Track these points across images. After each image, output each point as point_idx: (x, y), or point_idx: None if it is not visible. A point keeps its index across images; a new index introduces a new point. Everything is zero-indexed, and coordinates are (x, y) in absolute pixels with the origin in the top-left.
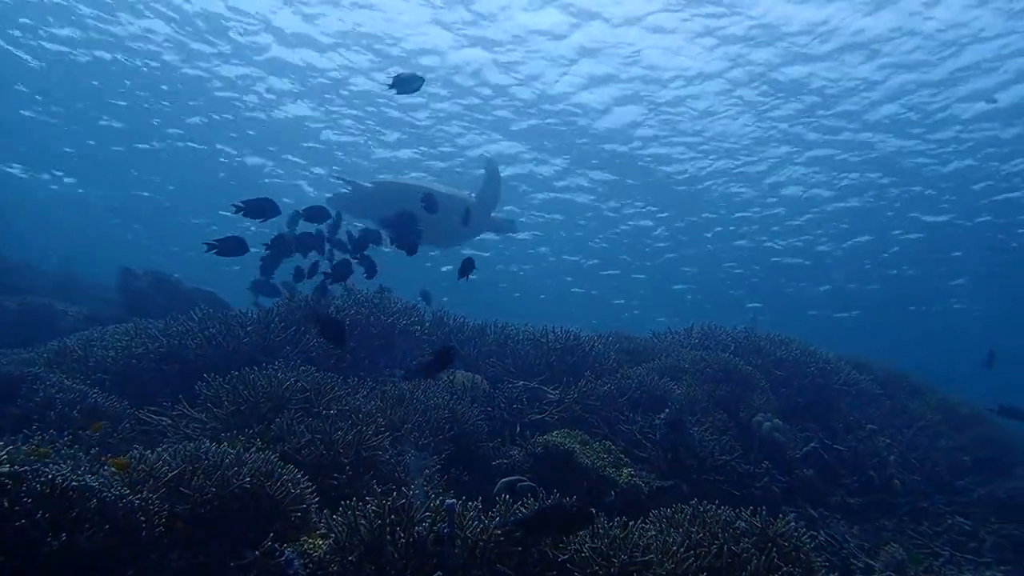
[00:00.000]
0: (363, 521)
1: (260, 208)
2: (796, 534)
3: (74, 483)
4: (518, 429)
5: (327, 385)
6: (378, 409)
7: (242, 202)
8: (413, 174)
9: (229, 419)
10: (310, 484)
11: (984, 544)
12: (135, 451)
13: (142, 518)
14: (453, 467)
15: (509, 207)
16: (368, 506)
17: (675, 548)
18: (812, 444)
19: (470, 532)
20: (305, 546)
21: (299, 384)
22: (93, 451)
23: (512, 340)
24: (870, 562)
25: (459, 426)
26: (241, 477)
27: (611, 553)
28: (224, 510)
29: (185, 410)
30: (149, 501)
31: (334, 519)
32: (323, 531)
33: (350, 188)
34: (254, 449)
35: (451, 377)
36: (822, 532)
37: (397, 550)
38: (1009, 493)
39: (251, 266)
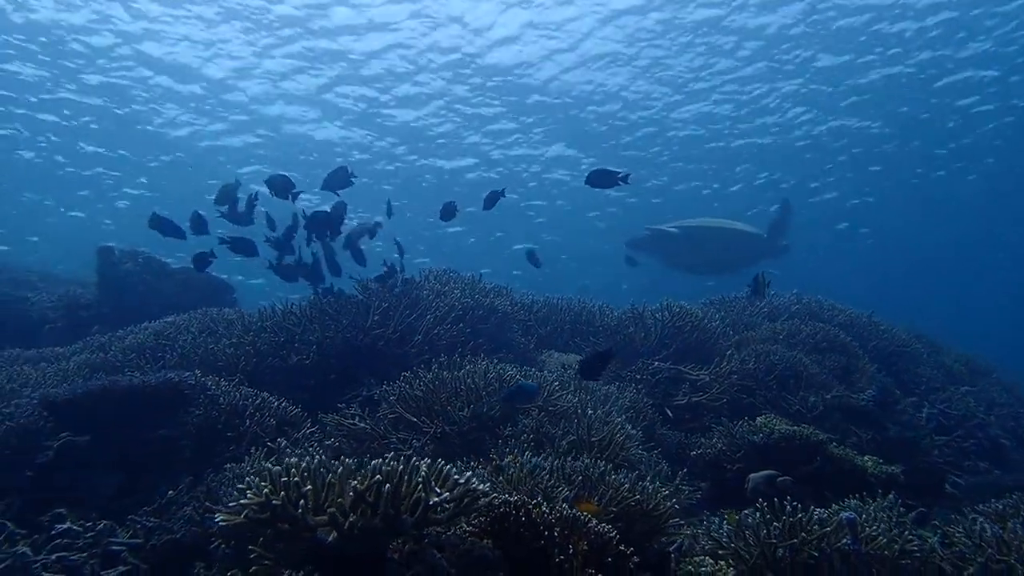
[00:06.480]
0: (771, 538)
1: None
2: None
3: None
4: (670, 414)
5: (547, 381)
6: (584, 404)
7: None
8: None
9: (469, 421)
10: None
11: None
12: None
13: (622, 549)
14: None
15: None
16: (767, 518)
17: None
18: (927, 410)
19: (879, 547)
20: (701, 569)
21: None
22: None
23: (602, 317)
24: None
25: (639, 414)
26: (628, 492)
27: None
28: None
29: (404, 414)
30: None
31: (726, 535)
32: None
33: (650, 233)
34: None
35: (566, 363)
36: None
37: (799, 568)
38: None
39: None
